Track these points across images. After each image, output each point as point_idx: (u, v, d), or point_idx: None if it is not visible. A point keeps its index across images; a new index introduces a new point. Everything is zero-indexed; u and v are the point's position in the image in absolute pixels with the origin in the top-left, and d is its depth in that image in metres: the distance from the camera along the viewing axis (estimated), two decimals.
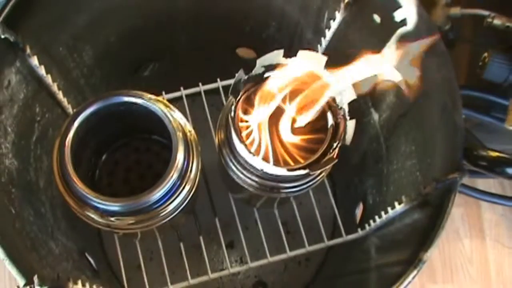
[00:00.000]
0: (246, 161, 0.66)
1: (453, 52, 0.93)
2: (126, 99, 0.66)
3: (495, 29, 0.85)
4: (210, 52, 0.98)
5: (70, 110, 0.83)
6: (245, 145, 0.63)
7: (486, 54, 0.83)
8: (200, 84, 0.90)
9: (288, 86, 0.68)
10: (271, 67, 0.66)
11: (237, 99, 0.64)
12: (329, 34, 0.82)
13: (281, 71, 0.66)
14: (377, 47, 0.75)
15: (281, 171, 0.62)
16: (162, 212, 0.69)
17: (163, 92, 0.89)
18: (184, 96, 0.90)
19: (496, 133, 0.92)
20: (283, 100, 0.70)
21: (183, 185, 0.70)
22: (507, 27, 0.83)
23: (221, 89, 0.91)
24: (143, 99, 0.67)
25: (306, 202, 0.97)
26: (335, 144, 0.66)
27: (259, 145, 0.70)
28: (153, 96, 0.70)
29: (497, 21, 0.83)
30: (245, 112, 0.69)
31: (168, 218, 0.71)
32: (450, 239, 1.13)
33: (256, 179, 0.69)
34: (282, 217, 0.91)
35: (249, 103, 0.68)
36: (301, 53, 0.65)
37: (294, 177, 0.66)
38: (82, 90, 0.86)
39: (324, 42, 0.85)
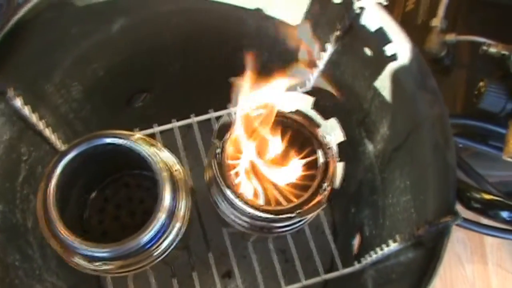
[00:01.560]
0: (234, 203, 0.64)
1: (449, 78, 0.92)
2: (109, 140, 0.65)
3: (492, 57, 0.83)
4: (202, 81, 0.96)
5: (59, 145, 0.81)
6: (232, 190, 0.62)
7: (481, 83, 0.81)
8: (192, 116, 0.89)
9: (275, 125, 0.67)
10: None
11: (222, 142, 0.63)
12: (321, 64, 0.81)
13: (269, 110, 0.65)
14: (369, 79, 0.74)
15: (269, 216, 0.61)
16: (153, 253, 0.67)
17: (155, 125, 0.88)
18: (176, 128, 0.88)
19: (497, 160, 0.89)
20: (272, 138, 0.69)
21: (172, 224, 0.68)
22: (502, 55, 0.81)
23: (214, 120, 0.89)
24: (126, 139, 0.65)
25: (304, 229, 0.95)
26: (324, 185, 0.64)
27: (249, 185, 0.69)
28: (138, 135, 0.68)
29: (492, 49, 0.81)
30: (234, 150, 0.68)
31: (159, 259, 0.69)
32: (451, 264, 1.11)
33: (247, 219, 0.67)
34: (280, 245, 0.89)
35: (237, 141, 0.67)
36: (289, 94, 0.63)
37: (285, 219, 0.64)
38: (72, 124, 0.85)
39: (317, 72, 0.83)
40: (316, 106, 0.92)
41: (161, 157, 0.69)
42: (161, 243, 0.68)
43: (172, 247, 0.70)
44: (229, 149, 0.65)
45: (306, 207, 0.62)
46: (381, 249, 0.74)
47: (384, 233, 0.81)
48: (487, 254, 1.12)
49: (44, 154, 0.79)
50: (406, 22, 1.04)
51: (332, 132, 0.63)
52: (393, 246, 0.70)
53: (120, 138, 0.65)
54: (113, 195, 0.81)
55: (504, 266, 1.11)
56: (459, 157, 0.80)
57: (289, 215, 0.60)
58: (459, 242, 1.13)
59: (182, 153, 0.88)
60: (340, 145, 0.95)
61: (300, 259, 0.87)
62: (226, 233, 0.86)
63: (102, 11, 0.73)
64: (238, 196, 0.61)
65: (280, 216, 0.61)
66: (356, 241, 0.96)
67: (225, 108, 0.87)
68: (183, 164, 0.86)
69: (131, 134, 0.68)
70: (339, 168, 0.62)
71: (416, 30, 1.00)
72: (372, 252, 0.78)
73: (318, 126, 0.66)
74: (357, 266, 0.84)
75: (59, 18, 0.69)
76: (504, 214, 0.57)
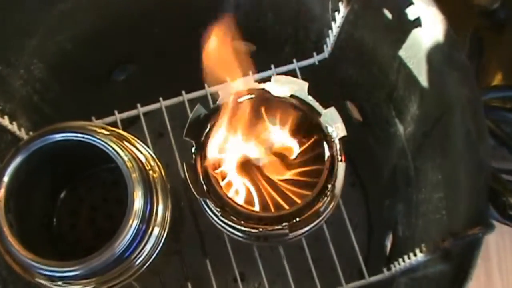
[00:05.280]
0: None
1: (504, 36, 0.89)
2: (62, 137, 0.66)
3: None
4: (195, 50, 0.96)
5: (23, 134, 0.83)
6: (210, 203, 0.62)
7: None
8: (183, 92, 0.89)
9: (272, 109, 0.67)
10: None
11: (199, 139, 0.63)
12: (335, 27, 0.80)
13: (256, 98, 0.65)
14: (393, 47, 0.73)
15: (253, 229, 0.61)
16: (134, 262, 0.69)
17: (138, 105, 0.88)
18: (163, 108, 0.89)
19: None
20: (267, 128, 0.69)
21: (149, 230, 0.70)
22: None
23: (209, 96, 0.89)
24: (86, 134, 0.66)
25: (332, 220, 0.94)
26: (329, 186, 0.64)
27: (239, 188, 0.69)
28: (101, 129, 0.69)
29: None
30: (218, 145, 0.68)
31: (143, 268, 0.71)
32: None
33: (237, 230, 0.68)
34: (295, 247, 0.89)
35: (220, 136, 0.67)
36: (277, 78, 0.63)
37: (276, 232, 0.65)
38: (39, 108, 0.87)
39: (332, 36, 0.82)
40: (337, 76, 0.92)
41: (135, 153, 0.70)
42: (141, 250, 0.69)
43: (156, 253, 0.71)
44: (212, 144, 0.66)
45: (302, 217, 0.62)
46: (409, 258, 0.74)
47: (416, 235, 0.81)
48: None
49: (5, 146, 0.81)
50: None
51: (333, 124, 0.63)
52: (419, 256, 0.70)
53: (78, 133, 0.66)
54: (86, 195, 0.83)
55: None
56: (506, 134, 0.78)
57: (278, 229, 0.60)
58: None
59: (172, 136, 0.88)
60: (369, 122, 0.95)
61: (321, 264, 0.87)
62: (226, 235, 0.87)
63: None
64: (219, 211, 0.62)
65: (269, 230, 0.61)
66: (389, 242, 0.96)
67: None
68: (173, 149, 0.87)
69: (94, 126, 0.69)
70: (340, 169, 0.62)
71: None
72: (400, 260, 0.78)
73: (319, 114, 0.65)
74: (386, 273, 0.84)
75: None
76: None
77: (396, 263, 0.80)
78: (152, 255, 0.71)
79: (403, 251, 0.83)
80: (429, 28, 0.65)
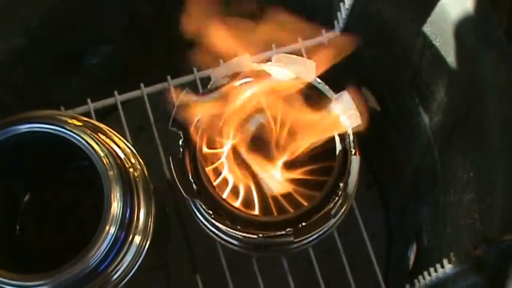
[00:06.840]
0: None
1: None
2: (27, 128, 0.66)
3: None
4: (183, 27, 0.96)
5: None
6: (200, 205, 0.63)
7: None
8: (168, 77, 0.89)
9: (267, 101, 0.67)
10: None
11: (188, 132, 0.64)
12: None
13: (255, 81, 0.65)
14: (416, 22, 0.74)
15: (252, 235, 0.62)
16: (111, 277, 0.69)
17: (116, 92, 0.88)
18: (145, 95, 0.89)
19: None
20: (267, 119, 0.69)
21: (129, 239, 0.70)
22: None
23: (198, 82, 0.90)
24: (55, 125, 0.67)
25: (345, 228, 0.93)
26: (341, 185, 0.64)
27: (235, 187, 0.69)
28: (72, 119, 0.69)
29: None
30: (211, 138, 0.68)
31: (121, 285, 0.71)
32: None
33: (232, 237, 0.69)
34: (300, 259, 0.90)
35: (214, 126, 0.68)
36: (279, 58, 0.63)
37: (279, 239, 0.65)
38: None
39: (344, 10, 0.83)
40: (351, 57, 0.92)
41: (112, 147, 0.71)
42: (119, 263, 0.69)
43: (136, 267, 0.72)
44: (203, 136, 0.66)
45: (310, 221, 0.62)
46: (436, 271, 0.75)
47: (444, 244, 0.81)
48: None
49: None
50: None
51: (345, 112, 0.63)
52: (448, 268, 0.70)
53: (45, 123, 0.66)
54: (55, 198, 0.83)
55: None
56: None
57: (281, 235, 0.61)
58: None
59: (155, 130, 0.88)
60: (389, 112, 0.95)
61: (332, 280, 0.87)
62: (220, 247, 0.87)
63: None
64: (211, 214, 0.62)
65: (271, 236, 0.62)
66: (412, 252, 0.96)
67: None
68: (157, 144, 0.87)
69: (64, 116, 0.69)
70: (354, 164, 0.63)
71: None
72: (426, 273, 0.79)
73: (329, 100, 0.66)
74: None
75: None
76: None
77: (420, 277, 0.81)
78: (132, 269, 0.71)
79: (428, 263, 0.84)
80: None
